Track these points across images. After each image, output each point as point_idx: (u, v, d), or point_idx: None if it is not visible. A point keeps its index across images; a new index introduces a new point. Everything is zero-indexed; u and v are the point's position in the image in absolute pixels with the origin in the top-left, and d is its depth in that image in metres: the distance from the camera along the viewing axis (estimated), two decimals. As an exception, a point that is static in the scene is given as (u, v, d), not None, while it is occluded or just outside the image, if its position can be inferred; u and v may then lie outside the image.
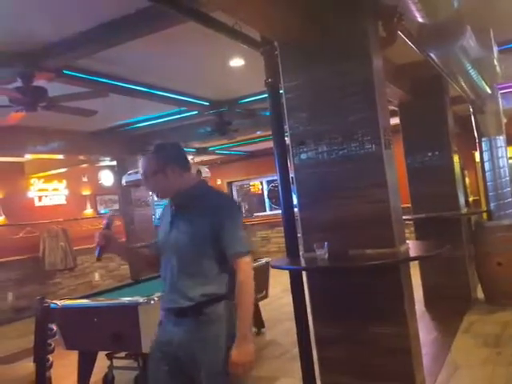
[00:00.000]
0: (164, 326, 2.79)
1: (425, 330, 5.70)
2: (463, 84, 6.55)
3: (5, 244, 10.21)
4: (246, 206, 16.80)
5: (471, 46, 5.08)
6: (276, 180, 4.37)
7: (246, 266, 2.61)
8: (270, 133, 4.35)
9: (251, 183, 16.71)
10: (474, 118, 7.91)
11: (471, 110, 7.97)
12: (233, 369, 2.52)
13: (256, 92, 7.65)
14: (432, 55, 5.33)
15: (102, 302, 5.35)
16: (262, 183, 16.35)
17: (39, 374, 3.61)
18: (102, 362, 5.35)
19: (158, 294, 4.77)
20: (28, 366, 3.82)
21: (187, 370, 2.63)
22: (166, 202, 2.95)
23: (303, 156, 4.11)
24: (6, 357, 6.28)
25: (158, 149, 2.79)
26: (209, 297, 2.61)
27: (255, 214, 16.20)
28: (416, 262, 6.65)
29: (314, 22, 4.00)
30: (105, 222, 2.99)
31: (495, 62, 5.87)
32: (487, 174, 7.69)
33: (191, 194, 2.74)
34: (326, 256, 3.79)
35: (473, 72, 5.91)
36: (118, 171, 10.93)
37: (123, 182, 10.16)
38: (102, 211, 12.70)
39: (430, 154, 7.17)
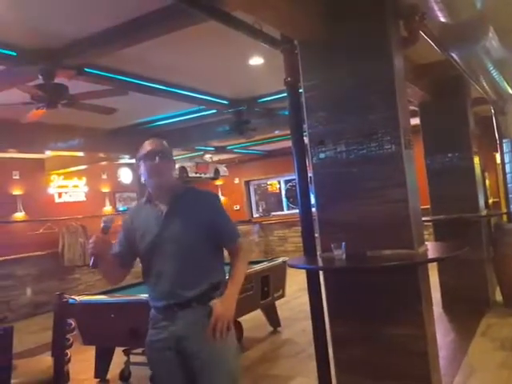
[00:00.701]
0: (159, 324, 2.76)
1: (442, 332, 5.65)
2: (485, 85, 6.49)
3: (25, 240, 10.30)
4: (264, 205, 16.79)
5: (494, 46, 5.03)
6: (294, 179, 4.36)
7: (244, 246, 2.87)
8: (288, 132, 4.34)
9: (269, 182, 16.71)
10: (495, 119, 7.84)
11: (492, 111, 7.90)
12: (214, 321, 2.56)
13: (275, 91, 7.65)
14: (454, 55, 5.29)
15: (120, 298, 5.41)
16: (279, 182, 16.34)
17: (57, 369, 3.64)
18: (118, 358, 5.40)
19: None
20: (46, 360, 3.86)
21: (189, 362, 2.66)
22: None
23: (322, 156, 4.09)
24: (25, 351, 6.34)
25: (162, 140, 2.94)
26: (211, 285, 2.71)
27: (272, 214, 16.18)
28: (434, 263, 6.60)
29: (334, 21, 3.99)
30: (102, 225, 2.74)
31: (518, 63, 5.82)
32: (508, 175, 7.63)
33: (181, 193, 2.85)
34: (344, 256, 3.78)
35: (495, 73, 5.85)
36: (137, 169, 10.95)
37: (142, 179, 10.20)
38: (121, 208, 12.80)
39: (450, 154, 7.10)
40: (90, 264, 2.71)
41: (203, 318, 2.62)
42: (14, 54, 5.12)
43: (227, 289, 2.69)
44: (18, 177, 10.53)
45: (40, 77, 5.48)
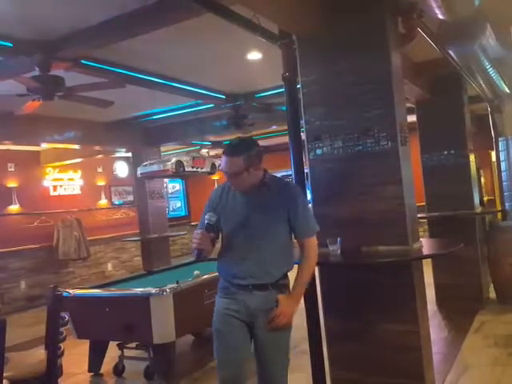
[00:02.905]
0: (234, 296, 3.03)
1: (436, 329, 5.68)
2: (482, 83, 6.50)
3: (19, 233, 10.28)
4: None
5: (491, 44, 5.03)
6: (290, 175, 4.35)
7: (315, 243, 3.06)
8: (285, 127, 4.33)
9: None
10: (492, 118, 7.85)
11: (489, 109, 7.91)
12: (278, 315, 2.94)
13: (273, 86, 7.63)
14: (451, 53, 5.29)
15: (115, 292, 5.40)
16: (276, 178, 16.31)
17: (50, 362, 3.64)
18: (112, 352, 5.39)
19: (171, 286, 4.81)
20: (39, 353, 3.86)
21: (254, 331, 3.01)
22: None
23: (318, 151, 4.10)
24: (19, 344, 6.33)
25: (242, 149, 2.98)
26: (285, 273, 3.04)
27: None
28: (428, 260, 6.61)
29: (333, 17, 3.98)
30: (206, 222, 3.02)
31: (515, 62, 5.82)
32: (503, 173, 7.64)
33: (265, 184, 3.06)
34: (339, 252, 3.79)
35: (492, 71, 5.86)
36: (133, 162, 10.98)
37: (138, 173, 10.23)
38: (117, 202, 12.78)
39: (446, 152, 7.11)
40: (195, 257, 3.01)
41: (274, 301, 2.96)
42: (10, 45, 5.09)
43: (293, 288, 3.01)
44: (13, 169, 10.48)
45: (36, 68, 5.45)
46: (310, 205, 3.42)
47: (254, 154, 3.00)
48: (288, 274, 3.08)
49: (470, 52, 5.13)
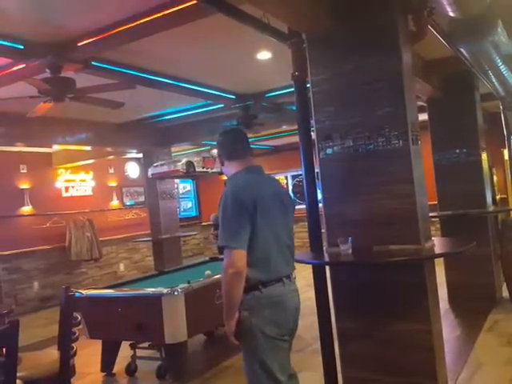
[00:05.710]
0: None
1: (448, 328, 5.65)
2: (494, 80, 6.46)
3: (32, 234, 10.35)
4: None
5: (503, 41, 4.99)
6: (301, 175, 4.35)
7: (226, 261, 2.71)
8: (295, 127, 4.33)
9: (276, 178, 16.65)
10: (504, 115, 7.81)
11: (501, 106, 7.86)
12: None
13: (283, 86, 7.62)
14: (462, 50, 5.26)
15: (127, 292, 5.42)
16: (286, 178, 16.29)
17: (63, 362, 3.66)
18: (125, 352, 5.41)
19: (182, 286, 4.82)
20: (53, 353, 3.88)
21: None
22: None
23: (329, 151, 4.08)
24: (32, 344, 6.37)
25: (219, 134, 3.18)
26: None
27: (279, 209, 16.13)
28: (441, 259, 6.58)
29: (342, 15, 3.97)
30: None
31: (527, 59, 5.78)
32: (515, 172, 7.59)
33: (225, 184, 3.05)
34: (350, 251, 3.78)
35: (503, 68, 5.82)
36: (144, 163, 11.01)
37: (149, 174, 10.25)
38: (128, 203, 12.83)
39: (457, 150, 7.07)
40: None
41: None
42: (22, 47, 5.12)
43: None
44: (25, 171, 10.55)
45: (47, 70, 5.48)
46: (231, 215, 2.79)
47: (220, 141, 3.15)
48: (249, 292, 2.80)
49: (481, 49, 5.10)
